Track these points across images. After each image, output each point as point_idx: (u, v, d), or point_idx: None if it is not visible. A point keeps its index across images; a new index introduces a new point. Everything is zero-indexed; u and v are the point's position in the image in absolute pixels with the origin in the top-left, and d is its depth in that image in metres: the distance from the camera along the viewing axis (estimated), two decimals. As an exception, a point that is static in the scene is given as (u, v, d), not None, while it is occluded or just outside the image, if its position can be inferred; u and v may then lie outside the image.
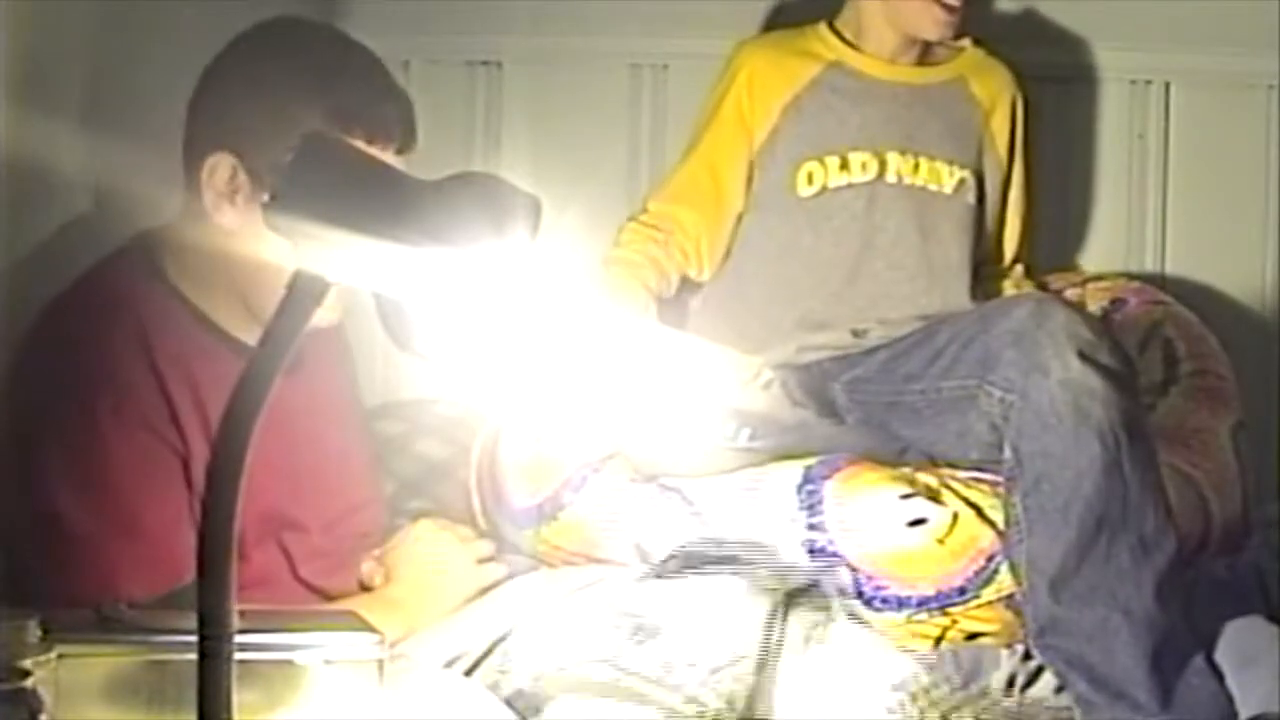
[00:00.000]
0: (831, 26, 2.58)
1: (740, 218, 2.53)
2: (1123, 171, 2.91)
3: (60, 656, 1.31)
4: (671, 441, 2.18)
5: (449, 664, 1.90)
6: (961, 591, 2.05)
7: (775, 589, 1.99)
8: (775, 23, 2.78)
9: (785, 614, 1.97)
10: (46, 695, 1.26)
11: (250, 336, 1.83)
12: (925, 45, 2.55)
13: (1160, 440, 2.13)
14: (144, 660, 1.39)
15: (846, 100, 2.52)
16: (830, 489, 2.09)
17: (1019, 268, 2.68)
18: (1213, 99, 2.90)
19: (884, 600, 2.05)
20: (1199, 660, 1.96)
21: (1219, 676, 1.95)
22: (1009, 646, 2.02)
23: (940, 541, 2.04)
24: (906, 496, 2.07)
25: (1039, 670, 1.99)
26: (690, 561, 2.02)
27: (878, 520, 2.05)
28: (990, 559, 2.04)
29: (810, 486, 2.10)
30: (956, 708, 1.93)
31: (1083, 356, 1.99)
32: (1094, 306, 2.63)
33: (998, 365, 2.06)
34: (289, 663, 1.42)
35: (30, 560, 1.70)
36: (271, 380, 1.14)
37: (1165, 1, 2.86)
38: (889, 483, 2.09)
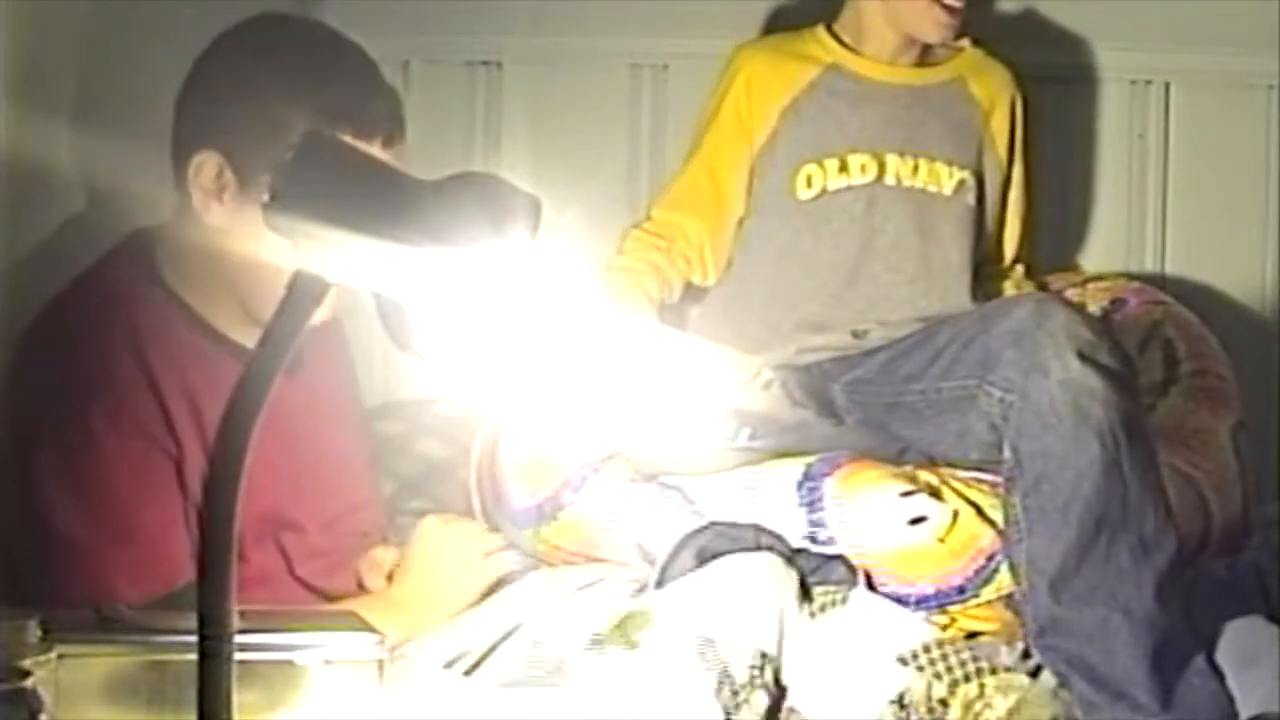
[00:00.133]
0: (830, 29, 2.58)
1: (741, 222, 2.53)
2: (1123, 171, 2.91)
3: (60, 656, 1.31)
4: (672, 441, 2.18)
5: (449, 664, 1.90)
6: (961, 590, 2.04)
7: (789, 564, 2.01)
8: (774, 25, 2.77)
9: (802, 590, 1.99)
10: (46, 695, 1.26)
11: (244, 336, 1.83)
12: (925, 46, 2.55)
13: (1160, 440, 2.13)
14: (144, 660, 1.39)
15: (845, 103, 2.52)
16: (830, 487, 2.09)
17: (1019, 268, 2.68)
18: (1213, 99, 2.90)
19: (884, 598, 2.05)
20: (1199, 660, 1.96)
21: (1219, 676, 1.95)
22: (1008, 644, 2.02)
23: (940, 540, 2.04)
24: (907, 494, 2.06)
25: (1039, 669, 1.99)
26: (702, 555, 2.02)
27: (878, 518, 2.05)
28: (990, 558, 2.04)
29: (810, 484, 2.10)
30: (966, 678, 1.94)
31: (1082, 357, 1.99)
32: (1094, 306, 2.63)
33: (997, 365, 2.06)
34: (289, 663, 1.42)
35: (27, 562, 1.70)
36: (272, 381, 1.14)
37: (1165, 1, 2.86)
38: (889, 480, 2.09)
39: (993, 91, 2.60)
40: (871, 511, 2.06)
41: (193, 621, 1.14)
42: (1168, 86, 2.89)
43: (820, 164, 2.49)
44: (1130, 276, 2.80)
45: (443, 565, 2.01)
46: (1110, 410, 1.97)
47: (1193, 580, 2.06)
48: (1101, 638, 1.93)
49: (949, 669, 1.94)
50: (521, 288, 1.19)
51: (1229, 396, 2.49)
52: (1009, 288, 2.62)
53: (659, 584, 2.00)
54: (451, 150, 2.83)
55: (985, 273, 2.60)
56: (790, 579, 1.98)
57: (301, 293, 1.16)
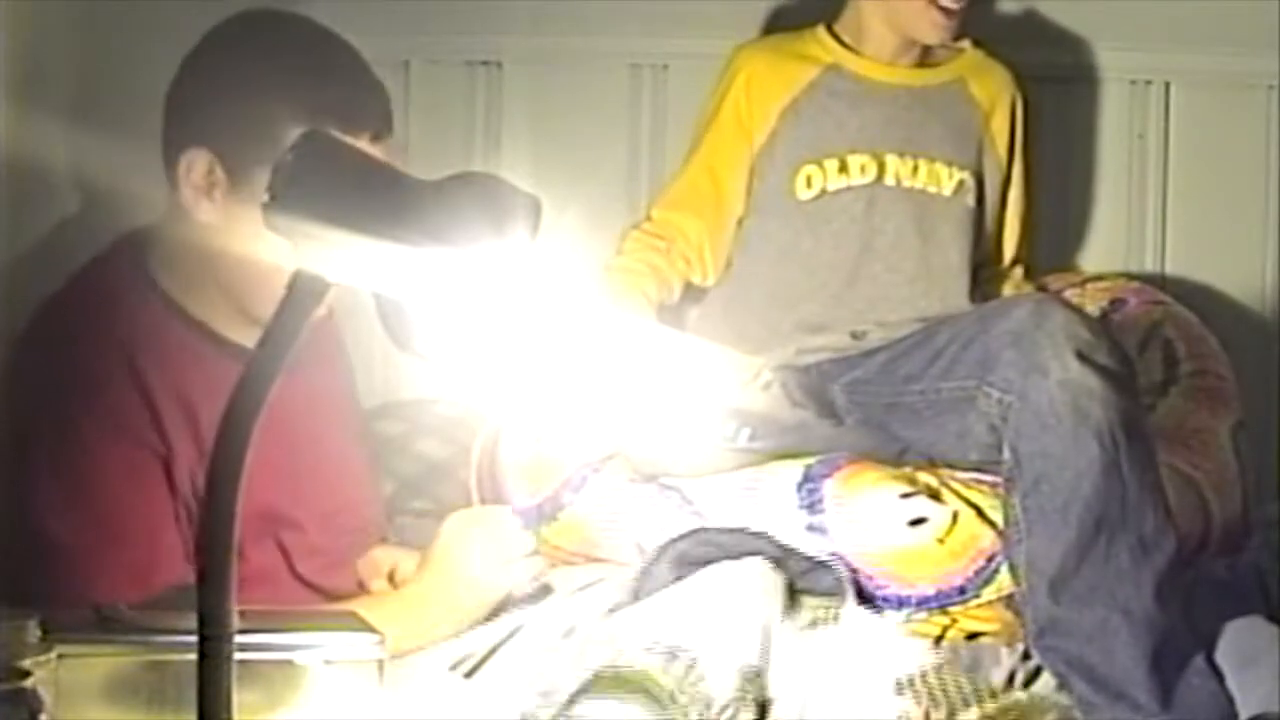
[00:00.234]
0: (831, 29, 2.58)
1: (741, 222, 2.53)
2: (1123, 171, 2.91)
3: (60, 656, 1.31)
4: (671, 442, 2.18)
5: (453, 667, 1.90)
6: (961, 591, 2.05)
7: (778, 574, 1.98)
8: (774, 25, 2.78)
9: (790, 600, 1.96)
10: (46, 695, 1.26)
11: (238, 334, 1.83)
12: (925, 47, 2.55)
13: (1160, 440, 2.13)
14: (144, 660, 1.39)
15: (844, 103, 2.52)
16: (830, 488, 2.09)
17: (1018, 269, 2.68)
18: (1213, 99, 2.90)
19: (884, 599, 2.05)
20: (1199, 660, 1.95)
21: (1219, 677, 1.95)
22: (1009, 645, 2.02)
23: (940, 541, 2.04)
24: (907, 495, 2.06)
25: (1039, 669, 1.99)
26: (680, 563, 2.01)
27: (878, 519, 2.05)
28: (990, 559, 2.04)
29: (810, 485, 2.10)
30: (965, 703, 1.92)
31: (1081, 357, 1.99)
32: (1094, 307, 2.63)
33: (996, 366, 2.06)
34: (289, 663, 1.42)
35: (22, 562, 1.70)
36: (272, 381, 1.14)
37: (1165, 1, 2.86)
38: (889, 482, 2.09)
39: (993, 92, 2.60)
40: (871, 513, 2.06)
41: (193, 621, 1.14)
42: (1168, 86, 2.89)
43: (820, 164, 2.49)
44: (1130, 276, 2.80)
45: (460, 569, 1.96)
46: (1109, 410, 1.97)
47: (1193, 580, 2.06)
48: (1101, 638, 1.93)
49: (946, 695, 1.93)
50: (521, 288, 1.19)
51: (1229, 396, 2.49)
52: (1008, 289, 2.62)
53: (636, 595, 1.97)
54: (451, 150, 2.83)
55: (985, 274, 2.60)
56: (777, 587, 1.96)
57: (302, 293, 1.16)
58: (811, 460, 2.14)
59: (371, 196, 1.17)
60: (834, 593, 2.01)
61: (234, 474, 1.13)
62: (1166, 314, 2.63)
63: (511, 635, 1.95)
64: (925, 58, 2.57)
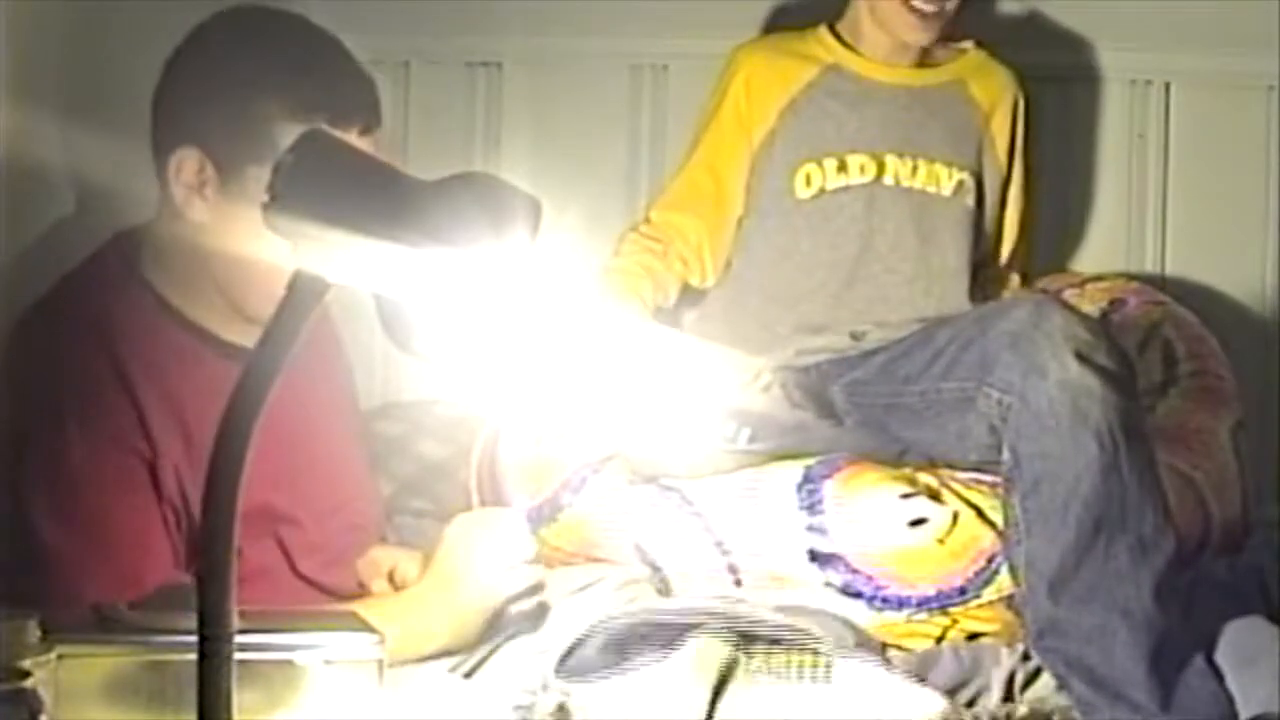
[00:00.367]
0: (833, 29, 2.58)
1: (740, 222, 2.53)
2: (1123, 171, 2.91)
3: (60, 656, 1.31)
4: (671, 442, 2.18)
5: (452, 668, 1.89)
6: (962, 591, 2.05)
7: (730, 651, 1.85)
8: (774, 25, 2.78)
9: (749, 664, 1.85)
10: (46, 695, 1.26)
11: (231, 333, 1.82)
12: (925, 48, 2.55)
13: (1160, 441, 2.13)
14: (144, 660, 1.39)
15: (844, 103, 2.52)
16: (830, 489, 2.09)
17: (1015, 278, 2.68)
18: (1213, 99, 2.90)
19: (884, 600, 2.05)
20: (1199, 661, 1.95)
21: (1219, 677, 1.95)
22: (1009, 645, 2.02)
23: (940, 541, 2.04)
24: (907, 496, 2.07)
25: (1039, 669, 1.99)
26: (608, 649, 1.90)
27: (878, 520, 2.06)
28: (991, 559, 2.04)
29: (810, 486, 2.10)
30: None
31: (1081, 358, 1.99)
32: (1093, 307, 2.63)
33: (996, 367, 2.06)
34: (289, 663, 1.42)
35: (18, 562, 1.70)
36: (272, 381, 1.14)
37: (1165, 1, 2.86)
38: (889, 482, 2.09)
39: (993, 93, 2.60)
40: (872, 513, 2.06)
41: (193, 621, 1.14)
42: (1168, 86, 2.90)
43: (819, 163, 2.49)
44: (1130, 277, 2.80)
45: (461, 572, 1.93)
46: (1108, 411, 1.97)
47: (1192, 580, 2.06)
48: (1100, 639, 1.93)
49: None
50: (521, 288, 1.19)
51: (1229, 396, 2.49)
52: (1005, 294, 2.62)
53: (557, 670, 1.86)
54: (451, 150, 2.83)
55: (984, 274, 2.60)
56: (714, 665, 1.81)
57: (301, 293, 1.16)
58: (811, 461, 2.14)
59: (371, 197, 1.17)
60: (817, 648, 1.88)
61: (234, 474, 1.13)
62: (1166, 314, 2.63)
63: (511, 637, 1.95)
64: (925, 58, 2.57)
